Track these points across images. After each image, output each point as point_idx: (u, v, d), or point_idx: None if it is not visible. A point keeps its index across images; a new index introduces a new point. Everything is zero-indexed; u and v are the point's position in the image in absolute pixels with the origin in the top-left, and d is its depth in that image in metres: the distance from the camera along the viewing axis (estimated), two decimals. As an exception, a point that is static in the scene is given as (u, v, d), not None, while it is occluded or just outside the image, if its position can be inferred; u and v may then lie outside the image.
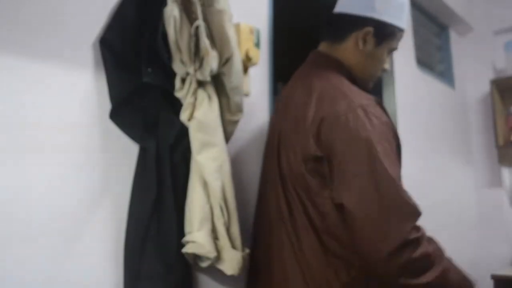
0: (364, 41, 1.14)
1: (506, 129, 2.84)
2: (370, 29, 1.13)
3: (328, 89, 1.08)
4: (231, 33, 1.10)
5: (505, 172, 2.94)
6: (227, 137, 1.16)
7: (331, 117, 1.01)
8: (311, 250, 1.02)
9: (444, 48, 3.04)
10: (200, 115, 1.07)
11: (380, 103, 1.06)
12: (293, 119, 1.11)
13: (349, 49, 1.15)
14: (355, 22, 1.13)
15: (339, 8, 1.14)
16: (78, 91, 0.99)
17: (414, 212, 0.96)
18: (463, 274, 1.04)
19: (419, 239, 0.94)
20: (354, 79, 1.15)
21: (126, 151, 1.06)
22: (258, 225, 1.23)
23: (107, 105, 1.03)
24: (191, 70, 1.07)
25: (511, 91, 2.91)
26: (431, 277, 0.93)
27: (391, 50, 1.21)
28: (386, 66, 1.21)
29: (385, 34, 1.15)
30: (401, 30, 1.18)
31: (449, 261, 1.02)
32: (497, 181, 2.93)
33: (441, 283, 0.95)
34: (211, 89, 1.12)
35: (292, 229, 1.06)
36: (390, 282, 0.94)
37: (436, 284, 0.94)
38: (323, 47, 1.22)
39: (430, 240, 0.99)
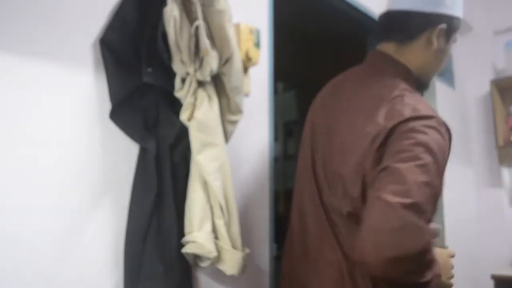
0: (437, 39, 1.08)
1: (506, 129, 2.84)
2: (444, 26, 1.07)
3: (397, 103, 0.97)
4: (231, 33, 1.10)
5: (505, 172, 2.94)
6: (227, 137, 1.16)
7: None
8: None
9: (444, 48, 3.04)
10: (200, 115, 1.07)
11: (445, 124, 0.98)
12: (350, 127, 1.03)
13: (419, 49, 1.09)
14: (427, 21, 1.07)
15: (403, 6, 1.08)
16: (78, 91, 1.00)
17: None
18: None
19: None
20: (419, 85, 1.11)
21: (126, 151, 1.06)
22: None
23: (107, 105, 1.03)
24: (191, 70, 1.07)
25: (511, 91, 2.91)
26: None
27: (454, 42, 1.14)
28: None
29: (455, 28, 1.11)
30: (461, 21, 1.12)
31: None
32: (497, 181, 2.93)
33: None
34: (211, 89, 1.12)
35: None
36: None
37: None
38: (386, 48, 1.11)
39: None
